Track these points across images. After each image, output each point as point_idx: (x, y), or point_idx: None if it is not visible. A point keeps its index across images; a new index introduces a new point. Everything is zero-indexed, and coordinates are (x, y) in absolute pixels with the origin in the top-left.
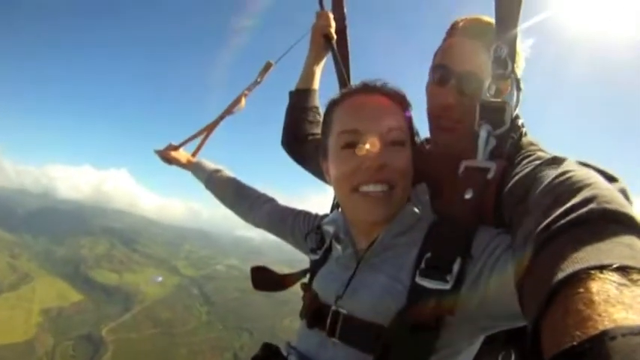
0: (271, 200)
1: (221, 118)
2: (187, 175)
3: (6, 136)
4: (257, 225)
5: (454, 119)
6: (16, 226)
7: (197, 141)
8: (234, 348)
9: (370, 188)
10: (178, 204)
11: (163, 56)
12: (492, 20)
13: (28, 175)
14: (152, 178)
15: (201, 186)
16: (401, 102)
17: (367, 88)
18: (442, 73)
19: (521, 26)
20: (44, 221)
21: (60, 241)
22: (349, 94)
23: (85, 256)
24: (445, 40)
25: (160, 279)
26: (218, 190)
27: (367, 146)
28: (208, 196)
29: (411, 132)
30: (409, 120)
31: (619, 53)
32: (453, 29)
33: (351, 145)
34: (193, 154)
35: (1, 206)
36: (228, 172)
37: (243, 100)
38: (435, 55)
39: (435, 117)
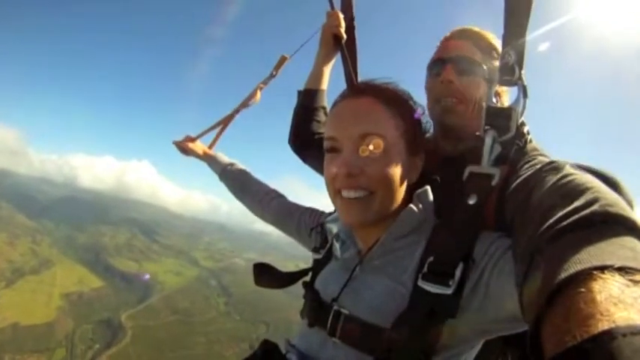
0: (281, 196)
1: (237, 111)
2: (208, 168)
3: (31, 124)
4: (265, 219)
5: (456, 97)
6: (38, 213)
7: (213, 134)
8: (251, 339)
9: (348, 194)
10: (199, 196)
11: (187, 47)
12: (481, 30)
13: (50, 164)
14: (174, 169)
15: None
16: (394, 103)
17: (356, 91)
18: (438, 64)
19: (538, 31)
20: (66, 209)
21: (81, 229)
22: (339, 98)
23: (106, 244)
24: (436, 48)
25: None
26: (231, 182)
27: (342, 153)
28: (227, 189)
29: (409, 133)
30: (406, 121)
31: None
32: (444, 38)
33: (333, 151)
34: (210, 146)
35: (24, 194)
36: (242, 166)
37: (259, 94)
38: (429, 62)
39: (436, 100)
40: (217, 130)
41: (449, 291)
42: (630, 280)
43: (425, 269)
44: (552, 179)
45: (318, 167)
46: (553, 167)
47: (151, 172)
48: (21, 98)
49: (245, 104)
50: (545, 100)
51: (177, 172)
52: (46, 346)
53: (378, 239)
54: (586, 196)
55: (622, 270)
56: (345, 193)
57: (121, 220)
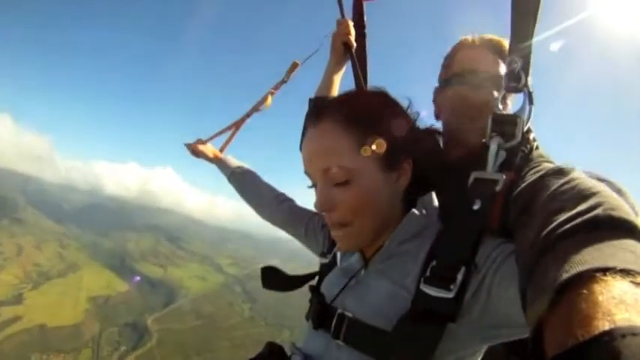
0: (289, 200)
1: (248, 115)
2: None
3: (57, 130)
4: (273, 222)
5: (474, 112)
6: (64, 219)
7: (225, 137)
8: None
9: (331, 230)
10: (223, 202)
11: (210, 55)
12: (493, 36)
13: (76, 171)
14: (198, 175)
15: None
16: (356, 121)
17: (312, 117)
18: (457, 76)
19: (551, 31)
20: (91, 216)
21: (106, 235)
22: (305, 122)
23: (131, 250)
24: (450, 56)
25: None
26: (239, 184)
27: (317, 193)
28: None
29: (389, 148)
30: (376, 134)
31: None
32: (457, 46)
33: (314, 186)
34: (221, 150)
35: (51, 199)
36: (251, 169)
37: (270, 99)
38: (444, 65)
39: (453, 114)
40: (229, 133)
41: (450, 295)
42: (632, 282)
43: (428, 273)
44: (557, 183)
45: None
46: (558, 172)
47: (175, 179)
48: (48, 104)
49: (256, 109)
50: (556, 100)
51: (201, 178)
52: (72, 347)
53: (382, 245)
54: (590, 201)
55: (624, 272)
56: (330, 228)
57: (145, 227)
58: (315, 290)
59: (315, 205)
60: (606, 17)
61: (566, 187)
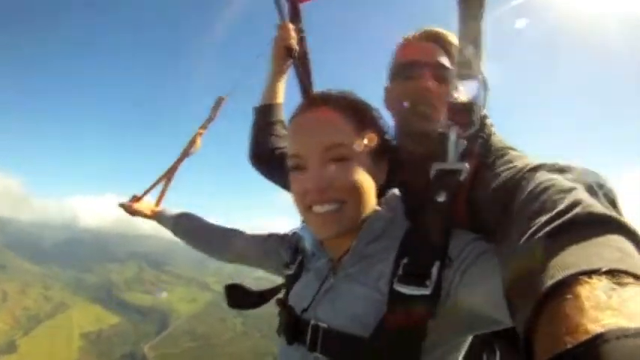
0: (240, 232)
1: (179, 161)
2: (204, 193)
3: (30, 170)
4: (232, 261)
5: (433, 105)
6: (44, 258)
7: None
8: (273, 353)
9: (320, 209)
10: None
11: (182, 78)
12: (445, 31)
13: (50, 208)
14: (173, 196)
15: (222, 204)
16: (353, 111)
17: (313, 103)
18: (412, 68)
19: (506, 7)
20: (70, 251)
21: (88, 269)
22: (296, 113)
23: (115, 280)
24: (400, 49)
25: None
26: (184, 235)
27: (308, 170)
28: (230, 212)
29: (371, 140)
30: (367, 127)
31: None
32: (406, 40)
33: (299, 168)
34: (156, 203)
35: (28, 239)
36: (192, 215)
37: (199, 140)
38: (394, 62)
39: (410, 105)
40: (162, 184)
41: (427, 291)
42: (617, 283)
43: (400, 272)
44: (532, 184)
45: (281, 182)
46: (531, 171)
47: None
48: (17, 143)
49: (186, 153)
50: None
51: (177, 199)
52: None
53: (349, 247)
54: (568, 199)
55: (609, 273)
56: (316, 208)
57: (126, 256)
58: (282, 303)
59: (302, 187)
60: None
61: (544, 186)
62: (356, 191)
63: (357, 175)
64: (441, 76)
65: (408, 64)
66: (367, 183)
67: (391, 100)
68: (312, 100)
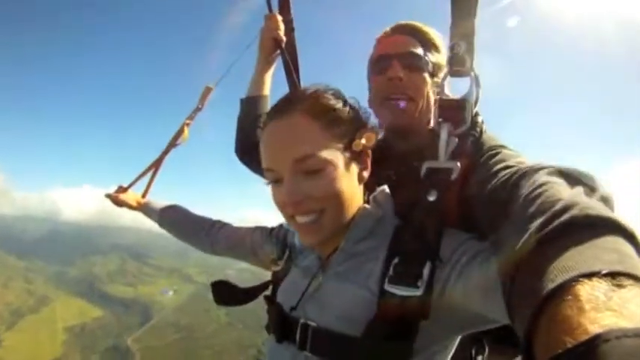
0: (226, 225)
1: (165, 152)
2: (194, 186)
3: (10, 164)
4: (217, 253)
5: (406, 94)
6: (26, 252)
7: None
8: (257, 345)
9: (300, 219)
10: None
11: (158, 69)
12: (420, 24)
13: (32, 201)
14: (152, 189)
15: (205, 195)
16: (324, 112)
17: (279, 111)
18: (383, 60)
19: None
20: (52, 245)
21: (70, 262)
22: (266, 120)
23: (98, 273)
24: (374, 46)
25: (171, 292)
26: (170, 227)
27: (284, 183)
28: (212, 204)
29: (347, 139)
30: (342, 126)
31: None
32: (384, 34)
33: (275, 181)
34: (143, 195)
35: (9, 233)
36: (179, 206)
37: (187, 131)
38: (370, 59)
39: (384, 99)
40: (149, 175)
41: (418, 292)
42: (616, 285)
43: (391, 272)
44: (530, 186)
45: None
46: (528, 173)
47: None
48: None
49: (173, 144)
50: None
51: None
52: None
53: (338, 246)
54: (564, 201)
55: (608, 275)
56: (298, 219)
57: (108, 248)
58: (270, 300)
59: (280, 200)
60: None
61: (541, 189)
62: (334, 199)
63: (332, 184)
64: (414, 65)
65: (379, 58)
66: (346, 187)
67: (371, 98)
68: (280, 107)
